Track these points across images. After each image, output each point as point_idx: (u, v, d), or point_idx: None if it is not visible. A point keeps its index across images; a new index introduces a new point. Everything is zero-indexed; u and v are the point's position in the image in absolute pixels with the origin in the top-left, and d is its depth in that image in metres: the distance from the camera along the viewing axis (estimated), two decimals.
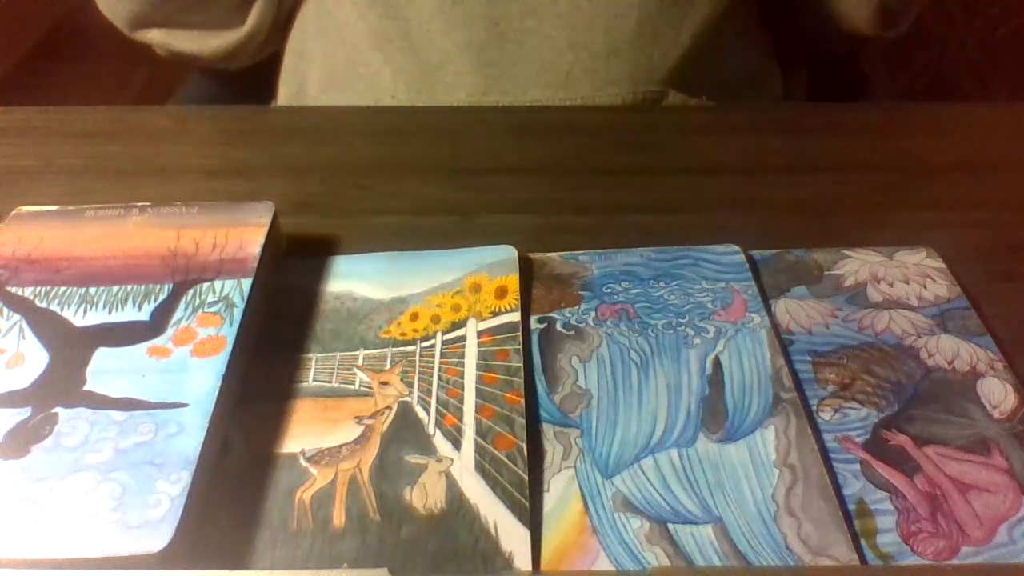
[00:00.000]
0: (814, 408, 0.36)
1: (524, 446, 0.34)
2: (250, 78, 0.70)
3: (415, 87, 0.60)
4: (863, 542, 0.31)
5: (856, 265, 0.43)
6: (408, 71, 0.60)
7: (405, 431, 0.35)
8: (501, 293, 0.41)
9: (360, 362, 0.38)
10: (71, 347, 0.36)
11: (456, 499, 0.32)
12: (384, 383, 0.37)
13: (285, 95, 0.68)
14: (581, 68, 0.58)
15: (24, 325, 0.37)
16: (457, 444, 0.34)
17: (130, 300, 0.39)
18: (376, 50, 0.60)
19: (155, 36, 0.66)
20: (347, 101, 0.62)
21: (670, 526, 0.32)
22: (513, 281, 0.41)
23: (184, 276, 0.40)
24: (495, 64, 0.58)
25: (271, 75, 0.69)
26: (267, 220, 0.42)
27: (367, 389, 0.37)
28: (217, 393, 0.34)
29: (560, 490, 0.33)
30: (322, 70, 0.64)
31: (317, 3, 0.64)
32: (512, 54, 0.58)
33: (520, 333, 0.39)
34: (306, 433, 0.35)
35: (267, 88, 0.69)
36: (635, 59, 0.58)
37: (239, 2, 0.64)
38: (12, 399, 0.34)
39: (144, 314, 0.38)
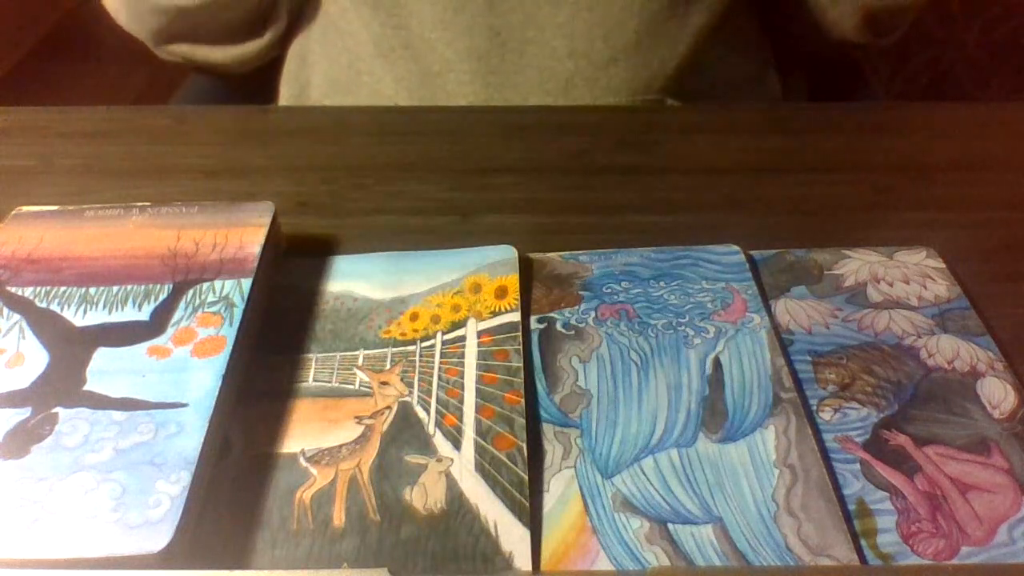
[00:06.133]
0: (814, 408, 0.36)
1: (524, 446, 0.34)
2: (251, 81, 0.70)
3: (417, 95, 0.60)
4: (863, 542, 0.31)
5: (856, 265, 0.43)
6: (410, 79, 0.60)
7: (405, 431, 0.35)
8: (501, 293, 0.41)
9: (360, 362, 0.38)
10: (71, 347, 0.36)
11: (456, 499, 0.32)
12: (384, 383, 0.37)
13: (286, 98, 0.68)
14: (581, 77, 0.59)
15: (24, 325, 0.37)
16: (457, 444, 0.34)
17: (130, 300, 0.39)
18: (378, 58, 0.60)
19: (179, 49, 0.66)
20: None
21: (670, 526, 0.32)
22: (513, 281, 0.41)
23: (184, 276, 0.40)
24: (496, 72, 0.59)
25: (272, 79, 0.69)
26: (267, 220, 0.42)
27: (367, 389, 0.37)
28: (217, 393, 0.34)
29: (560, 490, 0.33)
30: (324, 76, 0.64)
31: (320, 10, 0.64)
32: (513, 63, 0.59)
33: (520, 333, 0.39)
34: (306, 433, 0.35)
35: (268, 91, 0.69)
36: (634, 68, 0.59)
37: (257, 10, 0.64)
38: (12, 399, 0.34)
39: (144, 314, 0.38)
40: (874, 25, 0.64)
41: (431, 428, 0.35)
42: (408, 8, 0.58)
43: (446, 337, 0.39)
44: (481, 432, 0.35)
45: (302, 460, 0.34)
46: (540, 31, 0.58)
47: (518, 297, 0.40)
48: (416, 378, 0.37)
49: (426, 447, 0.34)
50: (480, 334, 0.39)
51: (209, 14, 0.62)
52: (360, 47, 0.61)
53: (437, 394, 0.36)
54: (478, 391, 0.36)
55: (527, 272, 0.43)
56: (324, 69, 0.64)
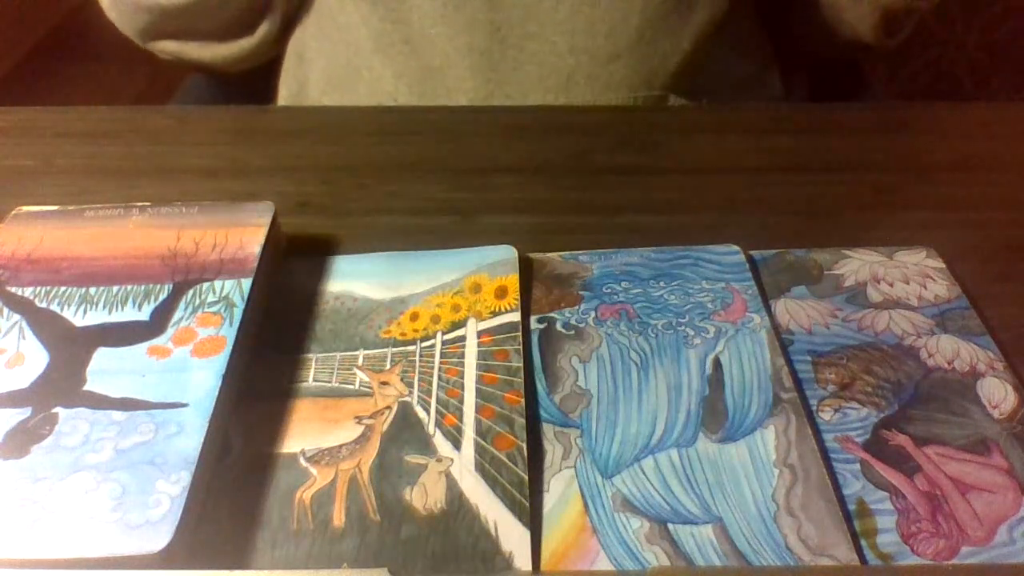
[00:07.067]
0: (814, 408, 0.36)
1: (524, 446, 0.34)
2: (250, 79, 0.70)
3: (417, 91, 0.60)
4: (863, 542, 0.31)
5: (856, 265, 0.43)
6: (410, 75, 0.60)
7: (405, 431, 0.35)
8: (501, 293, 0.41)
9: (360, 362, 0.38)
10: (71, 347, 0.36)
11: (456, 499, 0.32)
12: (384, 383, 0.37)
13: (285, 96, 0.68)
14: (582, 73, 0.59)
15: (24, 325, 0.37)
16: (457, 444, 0.34)
17: (130, 300, 0.39)
18: (378, 54, 0.60)
19: (167, 46, 0.66)
20: (348, 104, 0.62)
21: (670, 526, 0.32)
22: (513, 281, 0.41)
23: (184, 276, 0.40)
24: (496, 68, 0.59)
25: (271, 76, 0.69)
26: (267, 220, 0.42)
27: (367, 389, 0.37)
28: (217, 393, 0.34)
29: (560, 490, 0.33)
30: (323, 72, 0.64)
31: (319, 6, 0.64)
32: (513, 59, 0.58)
33: (520, 333, 0.39)
34: (306, 433, 0.35)
35: (267, 89, 0.69)
36: (635, 64, 0.59)
37: (248, 10, 0.64)
38: (12, 399, 0.34)
39: (144, 314, 0.38)
40: (890, 25, 0.64)
41: (431, 428, 0.35)
42: (408, 3, 0.58)
43: (446, 337, 0.39)
44: (481, 432, 0.35)
45: (302, 460, 0.34)
46: (541, 27, 0.58)
47: (518, 297, 0.40)
48: (416, 378, 0.37)
49: (426, 447, 0.34)
50: (480, 334, 0.39)
51: (194, 15, 0.62)
52: (359, 42, 0.61)
53: (437, 394, 0.36)
54: (478, 391, 0.36)
55: (527, 272, 0.43)
56: (322, 66, 0.64)
